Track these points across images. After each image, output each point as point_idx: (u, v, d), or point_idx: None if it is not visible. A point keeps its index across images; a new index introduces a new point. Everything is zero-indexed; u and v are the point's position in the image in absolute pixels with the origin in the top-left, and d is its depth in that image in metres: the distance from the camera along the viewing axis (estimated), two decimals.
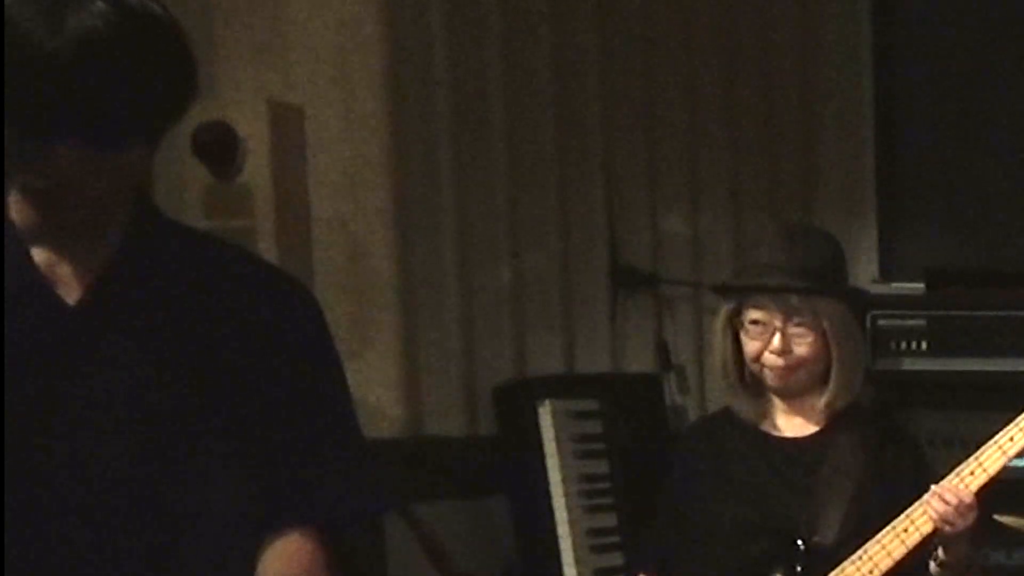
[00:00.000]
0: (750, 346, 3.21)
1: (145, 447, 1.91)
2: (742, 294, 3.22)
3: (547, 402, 4.05)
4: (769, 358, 3.19)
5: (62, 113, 1.76)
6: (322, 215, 3.87)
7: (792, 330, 3.17)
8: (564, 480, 4.00)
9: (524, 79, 4.18)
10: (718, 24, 4.43)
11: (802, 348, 3.18)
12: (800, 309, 3.18)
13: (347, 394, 2.10)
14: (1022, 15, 4.44)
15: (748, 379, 3.25)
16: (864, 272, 4.47)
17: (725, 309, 3.25)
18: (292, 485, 2.00)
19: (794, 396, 3.24)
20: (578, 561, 3.96)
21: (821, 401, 3.23)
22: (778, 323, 3.17)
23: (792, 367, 3.19)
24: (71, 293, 1.91)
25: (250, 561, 2.01)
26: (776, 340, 3.17)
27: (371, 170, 3.91)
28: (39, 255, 1.91)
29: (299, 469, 2.01)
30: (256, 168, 3.71)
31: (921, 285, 4.14)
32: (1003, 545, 3.79)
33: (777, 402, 3.26)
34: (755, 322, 3.19)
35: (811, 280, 3.19)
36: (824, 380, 3.23)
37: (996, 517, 3.12)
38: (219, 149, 3.59)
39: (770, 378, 3.22)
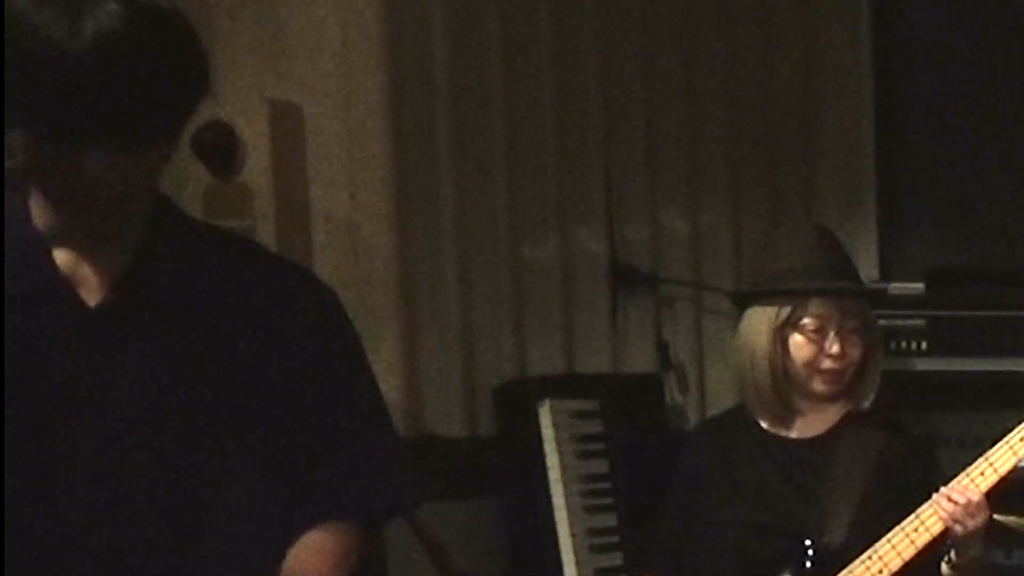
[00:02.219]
0: (805, 351, 3.18)
1: (168, 446, 1.92)
2: (796, 298, 3.19)
3: (547, 402, 4.04)
4: (826, 362, 3.17)
5: (88, 118, 1.75)
6: (322, 215, 3.87)
7: (846, 333, 3.17)
8: (564, 480, 4.00)
9: (524, 79, 4.18)
10: (718, 24, 4.43)
11: (855, 351, 3.18)
12: (854, 311, 3.18)
13: (375, 387, 2.11)
14: (1022, 15, 4.44)
15: (785, 386, 3.23)
16: (864, 272, 4.47)
17: (774, 313, 3.19)
18: (326, 478, 2.01)
19: (832, 399, 3.22)
20: (578, 561, 3.95)
21: (865, 403, 3.22)
22: (835, 326, 3.16)
23: (844, 371, 3.19)
24: (93, 294, 1.91)
25: (278, 555, 2.01)
26: (836, 344, 3.16)
27: (371, 170, 3.91)
28: (61, 257, 1.91)
29: (332, 462, 2.01)
30: (256, 168, 3.71)
31: (921, 285, 4.14)
32: (1003, 545, 3.79)
33: (802, 405, 3.24)
34: (814, 328, 3.17)
35: (856, 281, 3.21)
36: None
37: (996, 517, 3.11)
38: (219, 149, 3.59)
39: (819, 383, 3.19)
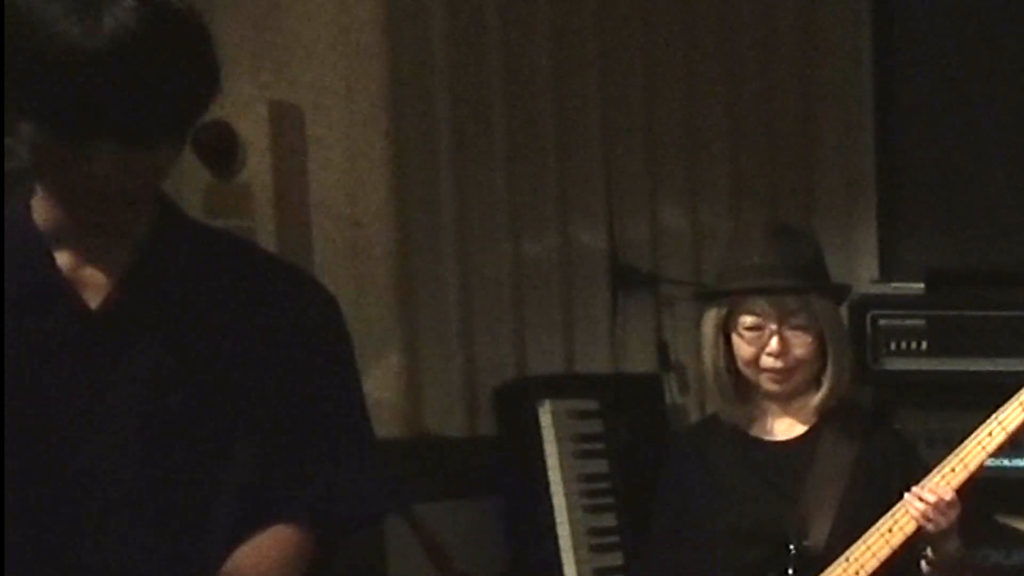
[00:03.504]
0: (745, 350, 3.17)
1: (168, 447, 1.92)
2: (735, 298, 3.19)
3: (547, 402, 4.05)
4: (767, 361, 3.16)
5: (100, 113, 1.75)
6: (322, 215, 3.87)
7: (789, 331, 3.16)
8: (564, 480, 4.00)
9: (524, 79, 4.18)
10: (718, 24, 4.43)
11: (800, 349, 3.16)
12: (796, 310, 3.16)
13: (359, 394, 2.11)
14: (1022, 15, 4.44)
15: (739, 384, 3.23)
16: (864, 272, 4.47)
17: (715, 314, 3.21)
18: (289, 480, 2.00)
19: (789, 398, 3.22)
20: (578, 561, 3.96)
21: (815, 400, 3.21)
22: (774, 325, 3.15)
23: (791, 369, 3.17)
24: (94, 295, 1.91)
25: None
26: (774, 342, 3.14)
27: (371, 170, 3.91)
28: (63, 258, 1.91)
29: (298, 465, 2.01)
30: (256, 168, 3.71)
31: (921, 285, 4.14)
32: (1003, 545, 3.79)
33: (767, 405, 3.24)
34: (751, 326, 3.17)
35: (803, 278, 3.18)
36: (817, 379, 3.22)
37: (997, 519, 3.12)
38: (219, 149, 3.58)
39: (767, 382, 3.19)
